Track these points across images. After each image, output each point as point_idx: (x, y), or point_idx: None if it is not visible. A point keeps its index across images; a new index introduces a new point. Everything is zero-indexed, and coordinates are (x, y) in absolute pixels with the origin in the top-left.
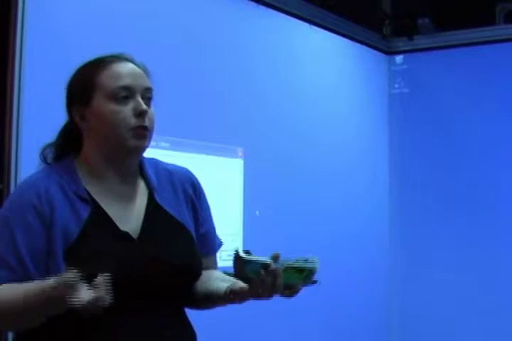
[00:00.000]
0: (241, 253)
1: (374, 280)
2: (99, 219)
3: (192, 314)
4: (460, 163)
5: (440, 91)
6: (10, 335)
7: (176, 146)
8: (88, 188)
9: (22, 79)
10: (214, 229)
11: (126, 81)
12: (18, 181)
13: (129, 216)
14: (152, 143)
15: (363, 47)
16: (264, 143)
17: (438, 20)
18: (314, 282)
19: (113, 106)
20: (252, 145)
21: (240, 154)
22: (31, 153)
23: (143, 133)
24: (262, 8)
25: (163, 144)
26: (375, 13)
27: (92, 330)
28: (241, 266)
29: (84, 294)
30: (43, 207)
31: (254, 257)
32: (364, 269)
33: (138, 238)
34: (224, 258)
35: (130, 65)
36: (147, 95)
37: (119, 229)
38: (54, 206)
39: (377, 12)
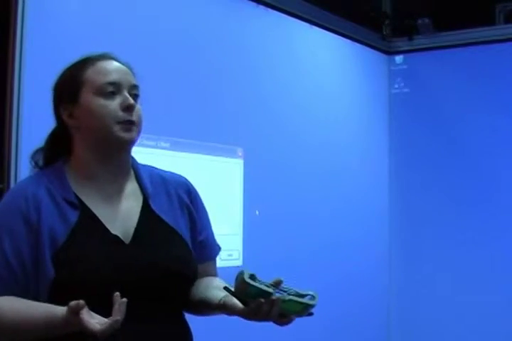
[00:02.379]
0: (246, 276)
1: (373, 282)
2: (89, 222)
3: (188, 317)
4: (460, 163)
5: (440, 91)
6: None
7: (175, 146)
8: (78, 191)
9: (22, 79)
10: (213, 235)
11: (114, 77)
12: (18, 181)
13: (120, 218)
14: (152, 142)
15: (363, 47)
16: (264, 143)
17: (438, 20)
18: (310, 314)
19: (101, 101)
20: (252, 146)
21: (240, 154)
22: None
23: (130, 127)
24: (262, 8)
25: (163, 144)
26: (375, 13)
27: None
28: (243, 288)
29: (97, 320)
30: (30, 213)
31: (257, 283)
32: (363, 270)
33: (130, 242)
34: (224, 258)
35: (116, 63)
36: (133, 92)
37: (110, 233)
38: (41, 211)
39: (377, 12)
